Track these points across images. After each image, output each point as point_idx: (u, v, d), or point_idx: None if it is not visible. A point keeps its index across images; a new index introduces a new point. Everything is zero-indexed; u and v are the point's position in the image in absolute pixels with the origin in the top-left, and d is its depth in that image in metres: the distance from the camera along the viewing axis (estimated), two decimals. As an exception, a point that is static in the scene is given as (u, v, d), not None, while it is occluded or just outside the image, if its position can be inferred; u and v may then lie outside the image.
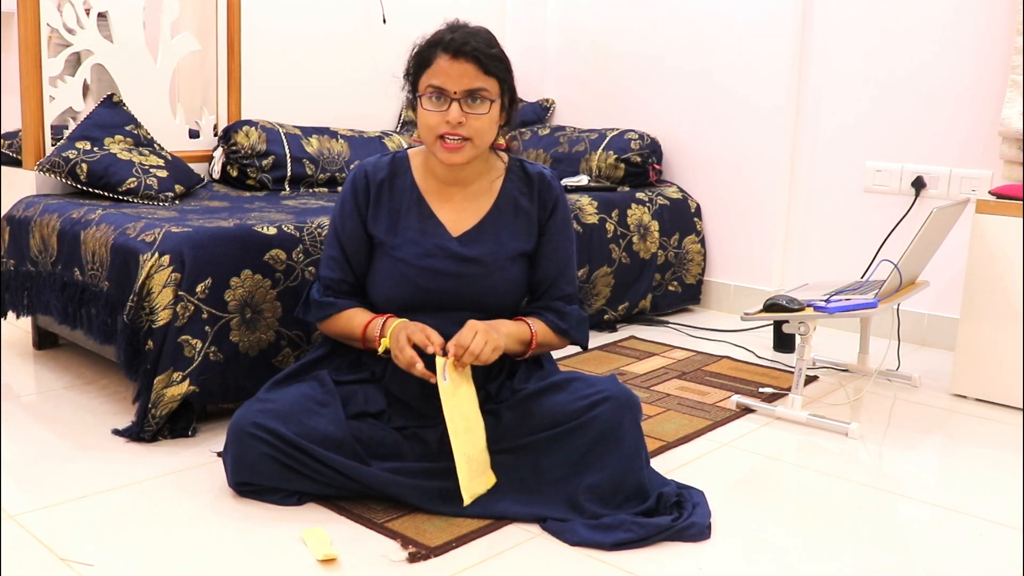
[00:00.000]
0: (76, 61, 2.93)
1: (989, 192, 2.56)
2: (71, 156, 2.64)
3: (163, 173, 2.71)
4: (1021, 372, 2.45)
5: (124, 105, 2.87)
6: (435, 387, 1.69)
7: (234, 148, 3.04)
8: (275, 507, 1.74)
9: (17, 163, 2.88)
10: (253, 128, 3.07)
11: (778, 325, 2.94)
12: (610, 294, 3.20)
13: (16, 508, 1.72)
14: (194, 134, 3.20)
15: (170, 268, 2.04)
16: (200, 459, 1.98)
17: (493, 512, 1.72)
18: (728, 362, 2.86)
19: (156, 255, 2.05)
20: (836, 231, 3.32)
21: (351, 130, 3.38)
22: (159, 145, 2.89)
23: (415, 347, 1.72)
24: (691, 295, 3.54)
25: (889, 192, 3.18)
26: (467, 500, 1.68)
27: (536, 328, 1.87)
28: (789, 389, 2.42)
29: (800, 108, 3.36)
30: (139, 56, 2.98)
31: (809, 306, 2.30)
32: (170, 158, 2.82)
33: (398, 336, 1.73)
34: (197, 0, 3.31)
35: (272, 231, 2.21)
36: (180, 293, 2.04)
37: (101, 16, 2.89)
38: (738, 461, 2.09)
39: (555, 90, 4.07)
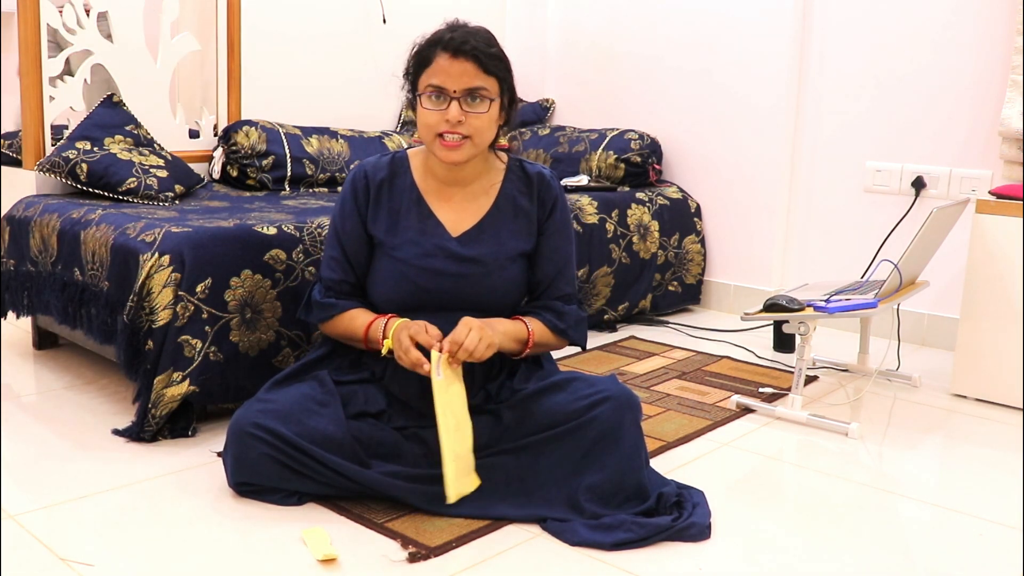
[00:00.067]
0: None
1: (989, 192, 2.56)
2: (71, 156, 2.64)
3: (163, 173, 2.71)
4: (1021, 372, 2.45)
5: (124, 105, 2.88)
6: None
7: (234, 148, 3.04)
8: (275, 507, 1.74)
9: (17, 163, 2.88)
10: (253, 128, 3.07)
11: (778, 325, 2.94)
12: (610, 294, 3.20)
13: (16, 508, 1.72)
14: (194, 134, 3.20)
15: (170, 268, 2.04)
16: (200, 459, 1.98)
17: (493, 513, 1.72)
18: (728, 362, 2.86)
19: (156, 255, 2.05)
20: (836, 231, 3.32)
21: (351, 130, 3.38)
22: (159, 145, 2.89)
23: (418, 346, 1.72)
24: (691, 295, 3.54)
25: (889, 192, 3.18)
26: (452, 498, 1.67)
27: (533, 327, 1.87)
28: (789, 389, 2.42)
29: (800, 108, 3.36)
30: (139, 56, 2.98)
31: (809, 306, 2.30)
32: (170, 158, 2.82)
33: (400, 337, 1.73)
34: (197, 0, 3.31)
35: (272, 231, 2.21)
36: (180, 293, 2.04)
37: (101, 16, 2.90)
38: (738, 461, 2.09)
39: (555, 90, 4.07)
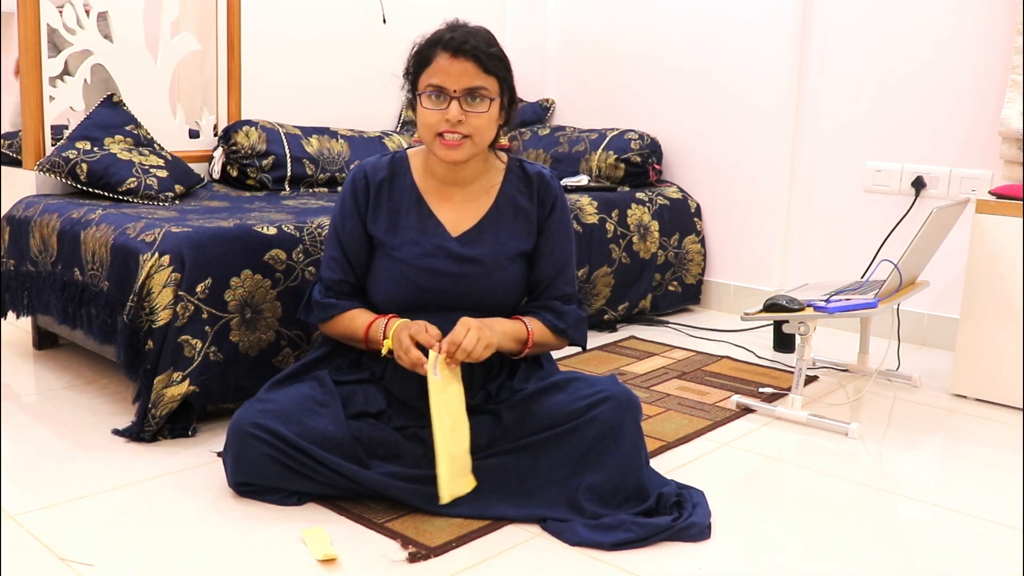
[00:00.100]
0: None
1: (989, 192, 2.56)
2: (71, 156, 2.64)
3: (163, 173, 2.71)
4: (1021, 372, 2.45)
5: (124, 105, 2.87)
6: None
7: (234, 148, 3.04)
8: (275, 507, 1.74)
9: (17, 163, 2.88)
10: (253, 128, 3.07)
11: (778, 325, 2.94)
12: (610, 294, 3.20)
13: (16, 508, 1.72)
14: (194, 134, 3.20)
15: (170, 268, 2.04)
16: (200, 459, 1.98)
17: (493, 513, 1.72)
18: (728, 362, 2.86)
19: (156, 255, 2.05)
20: (836, 231, 3.32)
21: (351, 130, 3.38)
22: (159, 145, 2.89)
23: (418, 346, 1.72)
24: (691, 295, 3.54)
25: (889, 192, 3.18)
26: (445, 499, 1.67)
27: (533, 327, 1.87)
28: (789, 389, 2.42)
29: (800, 108, 3.36)
30: (139, 56, 2.98)
31: (809, 306, 2.30)
32: (170, 158, 2.82)
33: (401, 337, 1.73)
34: (197, 0, 3.31)
35: (272, 231, 2.21)
36: (180, 293, 2.04)
37: (101, 16, 2.90)
38: (738, 461, 2.09)
39: (555, 90, 4.07)
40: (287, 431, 1.71)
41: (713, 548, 1.66)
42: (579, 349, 2.82)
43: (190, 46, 3.10)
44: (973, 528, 1.78)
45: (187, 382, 2.05)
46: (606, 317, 3.22)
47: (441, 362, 1.68)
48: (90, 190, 2.64)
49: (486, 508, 1.72)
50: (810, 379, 2.70)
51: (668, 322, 3.38)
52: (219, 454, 1.89)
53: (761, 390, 2.56)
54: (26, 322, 2.83)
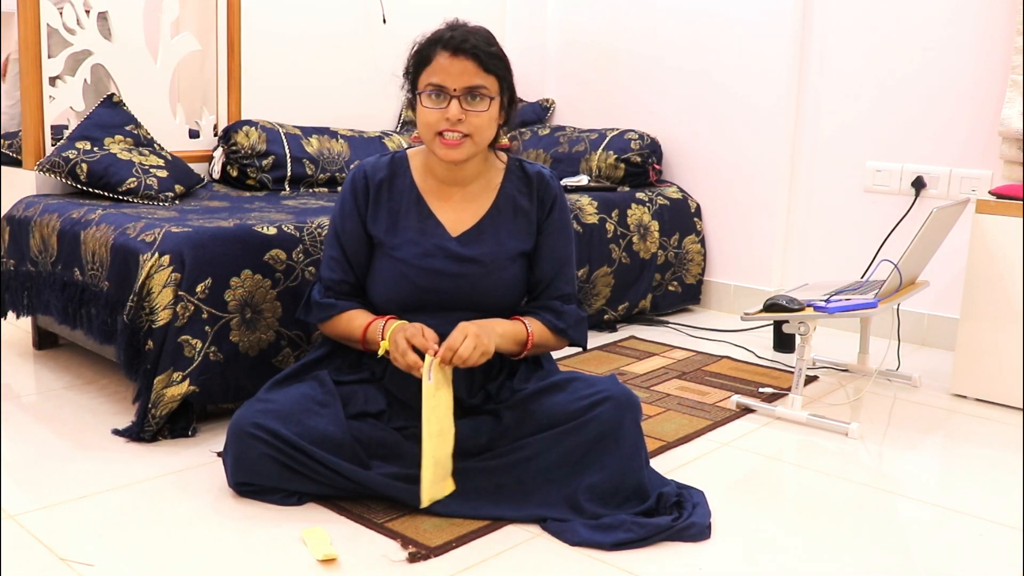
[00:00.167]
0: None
1: (989, 192, 2.56)
2: (71, 156, 2.64)
3: (163, 173, 2.71)
4: (1021, 372, 2.45)
5: (124, 105, 2.87)
6: None
7: (234, 148, 3.04)
8: (275, 507, 1.74)
9: (17, 163, 2.88)
10: (253, 128, 3.07)
11: (778, 325, 2.94)
12: (610, 294, 3.20)
13: (16, 508, 1.72)
14: (194, 134, 3.20)
15: (170, 268, 2.04)
16: (200, 459, 1.98)
17: (493, 513, 1.72)
18: (728, 362, 2.86)
19: (156, 255, 2.05)
20: (836, 231, 3.32)
21: (351, 130, 3.38)
22: (159, 145, 2.89)
23: (414, 349, 1.72)
24: (691, 295, 3.54)
25: (889, 192, 3.18)
26: (425, 502, 1.67)
27: (533, 328, 1.87)
28: (789, 389, 2.42)
29: (800, 108, 3.36)
30: (139, 56, 2.98)
31: (809, 306, 2.30)
32: (170, 158, 2.82)
33: (397, 340, 1.73)
34: (197, 0, 3.31)
35: (272, 231, 2.21)
36: (180, 293, 2.04)
37: (101, 16, 2.89)
38: (738, 461, 2.09)
39: (555, 90, 4.07)
40: (287, 431, 1.71)
41: (713, 548, 1.66)
42: (579, 349, 2.82)
43: (190, 46, 3.10)
44: (973, 528, 1.78)
45: (187, 382, 2.05)
46: (606, 317, 3.23)
47: (436, 366, 1.68)
48: (90, 190, 2.64)
49: (486, 508, 1.72)
50: (810, 379, 2.70)
51: (668, 322, 3.38)
52: (219, 454, 1.89)
53: (761, 390, 2.56)
54: (26, 322, 2.83)
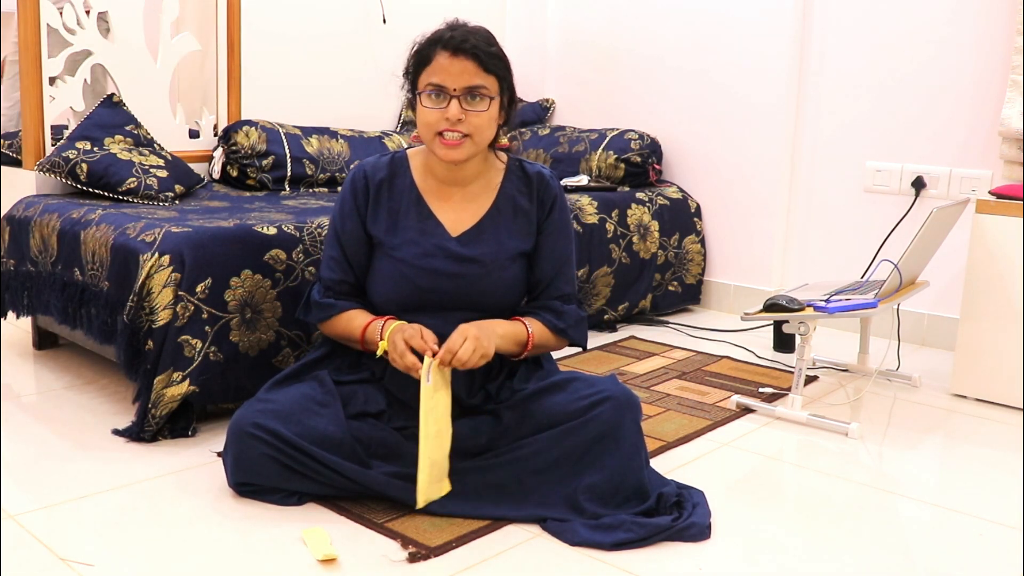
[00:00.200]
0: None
1: (989, 192, 2.56)
2: (71, 156, 2.64)
3: (163, 173, 2.71)
4: (1021, 372, 2.45)
5: (124, 105, 2.87)
6: None
7: (234, 148, 3.04)
8: (275, 507, 1.74)
9: (17, 163, 2.88)
10: (253, 128, 3.07)
11: (778, 325, 2.94)
12: (610, 294, 3.20)
13: (16, 508, 1.72)
14: (194, 134, 3.20)
15: (170, 268, 2.04)
16: (200, 459, 1.98)
17: (493, 513, 1.72)
18: (728, 362, 2.86)
19: (156, 255, 2.05)
20: (836, 231, 3.32)
21: (351, 130, 3.38)
22: (159, 145, 2.89)
23: (413, 350, 1.72)
24: (691, 295, 3.54)
25: (889, 192, 3.18)
26: (421, 503, 1.68)
27: (533, 329, 1.87)
28: (789, 389, 2.42)
29: (800, 108, 3.36)
30: (139, 56, 2.98)
31: (809, 306, 2.30)
32: (170, 158, 2.82)
33: (395, 341, 1.73)
34: (197, 0, 3.31)
35: (272, 231, 2.21)
36: (180, 293, 2.04)
37: (101, 16, 2.89)
38: (738, 461, 2.09)
39: (555, 90, 4.07)
40: (287, 431, 1.71)
41: (713, 548, 1.66)
42: (579, 349, 2.82)
43: (190, 46, 3.10)
44: (973, 528, 1.78)
45: (187, 382, 2.05)
46: (606, 317, 3.22)
47: (434, 368, 1.68)
48: (90, 190, 2.64)
49: (486, 508, 1.72)
50: (810, 379, 2.70)
51: (668, 322, 3.38)
52: (219, 454, 1.89)
53: (761, 390, 2.56)
54: (26, 322, 2.83)
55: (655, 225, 3.34)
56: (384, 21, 3.63)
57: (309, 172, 3.13)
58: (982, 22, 2.94)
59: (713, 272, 3.61)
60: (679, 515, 1.70)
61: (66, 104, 2.84)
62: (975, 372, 2.53)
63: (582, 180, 3.38)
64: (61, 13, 2.79)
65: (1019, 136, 2.80)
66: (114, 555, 1.56)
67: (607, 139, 3.55)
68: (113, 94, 2.88)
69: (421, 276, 1.84)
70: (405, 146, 3.38)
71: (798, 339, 2.32)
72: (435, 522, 1.69)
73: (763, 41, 3.38)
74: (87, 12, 2.86)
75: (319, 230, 2.28)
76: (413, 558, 1.57)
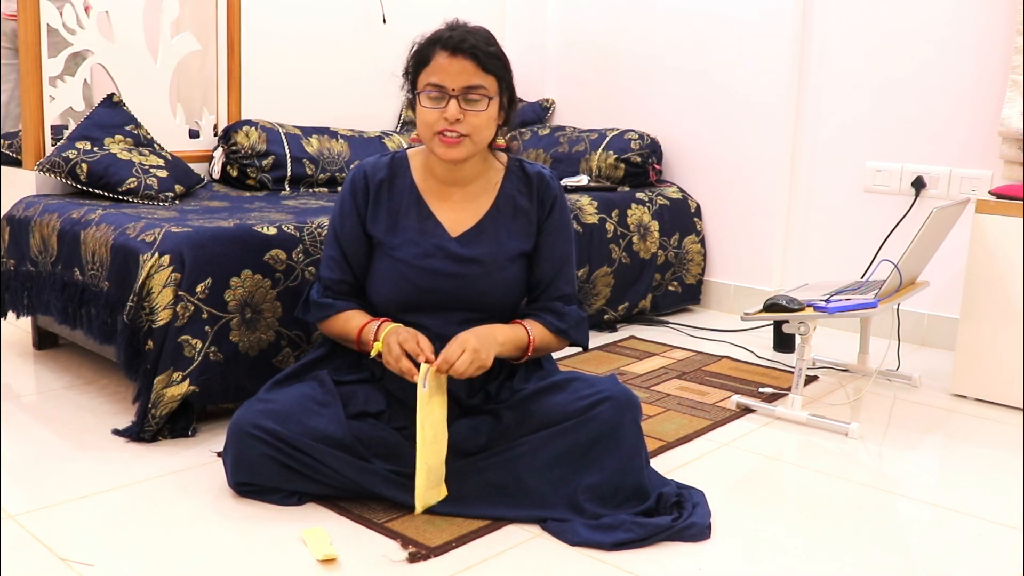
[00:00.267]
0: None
1: (989, 192, 2.56)
2: (71, 156, 2.64)
3: (163, 173, 2.71)
4: (1021, 372, 2.45)
5: (124, 105, 2.87)
6: None
7: (234, 148, 3.04)
8: (275, 507, 1.74)
9: (17, 163, 2.88)
10: (253, 128, 3.07)
11: (778, 325, 2.94)
12: (610, 294, 3.20)
13: (16, 508, 1.72)
14: (194, 134, 3.20)
15: (170, 268, 2.04)
16: (200, 459, 1.98)
17: (493, 513, 1.72)
18: (728, 362, 2.86)
19: (156, 255, 2.05)
20: (836, 231, 3.32)
21: (351, 130, 3.38)
22: (159, 145, 2.89)
23: (407, 355, 1.72)
24: (691, 295, 3.54)
25: (889, 192, 3.18)
26: (419, 509, 1.68)
27: (534, 333, 1.86)
28: (789, 389, 2.42)
29: (800, 108, 3.36)
30: (139, 56, 2.98)
31: (809, 306, 2.30)
32: (170, 158, 2.82)
33: (391, 344, 1.73)
34: (197, 0, 3.31)
35: (272, 231, 2.21)
36: (180, 293, 2.04)
37: (101, 16, 2.89)
38: (738, 461, 2.09)
39: (555, 90, 4.07)
40: (287, 431, 1.71)
41: (713, 548, 1.66)
42: (579, 349, 2.82)
43: (190, 46, 3.10)
44: (973, 528, 1.78)
45: (187, 382, 2.05)
46: (606, 317, 3.22)
47: (431, 374, 1.68)
48: (90, 190, 2.64)
49: (486, 508, 1.72)
50: (810, 379, 2.70)
51: (668, 322, 3.38)
52: (219, 454, 1.89)
53: (761, 390, 2.56)
54: (26, 322, 2.83)
55: (655, 225, 3.34)
56: (384, 21, 3.63)
57: (309, 172, 3.13)
58: (982, 22, 2.94)
59: (713, 272, 3.61)
60: (679, 515, 1.70)
61: (66, 104, 2.84)
62: (975, 372, 2.53)
63: (582, 180, 3.38)
64: (61, 13, 2.79)
65: (1019, 136, 2.80)
66: (114, 555, 1.56)
67: (607, 139, 3.55)
68: (113, 94, 2.88)
69: (421, 276, 1.84)
70: (405, 146, 3.38)
71: (798, 339, 2.32)
72: (435, 522, 1.69)
73: (763, 41, 3.38)
74: (87, 12, 2.85)
75: (319, 230, 2.29)
76: (413, 558, 1.57)
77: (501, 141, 1.91)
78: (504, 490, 1.74)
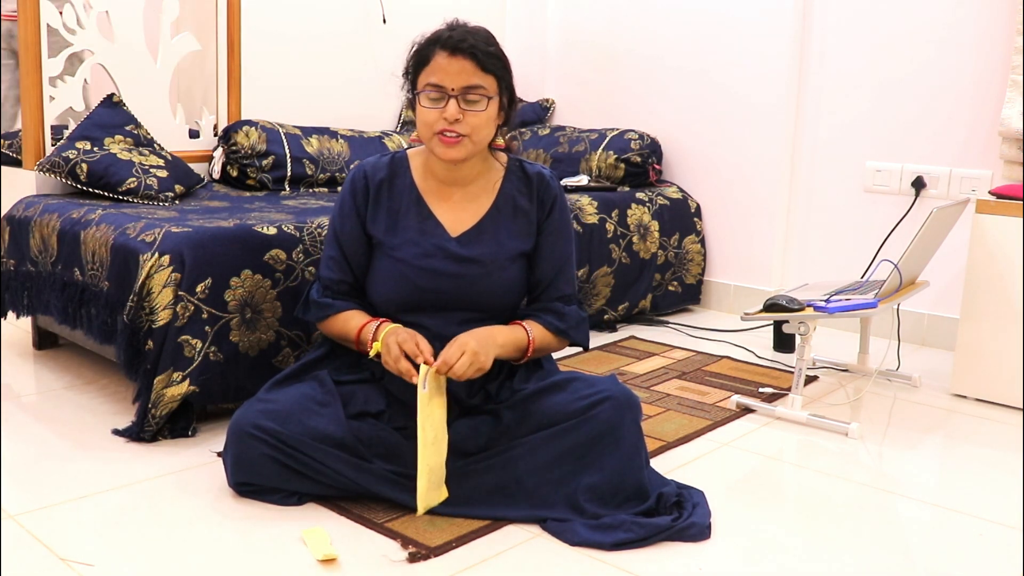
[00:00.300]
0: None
1: (989, 192, 2.56)
2: (71, 156, 2.64)
3: (163, 173, 2.71)
4: (1021, 372, 2.45)
5: (124, 105, 2.87)
6: None
7: (234, 148, 3.04)
8: (275, 507, 1.74)
9: (17, 163, 2.88)
10: (253, 128, 3.07)
11: (778, 325, 2.94)
12: (610, 294, 3.20)
13: (16, 508, 1.72)
14: (194, 134, 3.20)
15: (170, 268, 2.04)
16: (200, 459, 1.98)
17: (493, 513, 1.72)
18: (728, 362, 2.86)
19: (156, 255, 2.05)
20: (836, 231, 3.32)
21: (351, 130, 3.38)
22: (159, 145, 2.89)
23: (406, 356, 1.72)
24: (691, 295, 3.54)
25: (889, 192, 3.18)
26: (421, 510, 1.68)
27: (534, 334, 1.86)
28: (789, 389, 2.42)
29: (800, 108, 3.36)
30: (139, 56, 2.98)
31: (809, 306, 2.30)
32: (170, 158, 2.82)
33: (390, 345, 1.73)
34: (197, 0, 3.31)
35: (272, 231, 2.21)
36: (180, 293, 2.04)
37: (101, 16, 2.89)
38: (738, 461, 2.09)
39: (555, 90, 4.07)
40: (287, 431, 1.71)
41: (713, 548, 1.66)
42: (579, 349, 2.82)
43: (190, 46, 3.10)
44: (973, 528, 1.78)
45: (187, 382, 2.05)
46: (606, 317, 3.23)
47: (431, 376, 1.68)
48: (90, 190, 2.64)
49: (486, 508, 1.72)
50: (810, 379, 2.70)
51: (668, 322, 3.38)
52: (219, 454, 1.89)
53: (761, 390, 2.56)
54: (26, 322, 2.83)
55: (655, 225, 3.34)
56: (384, 21, 3.63)
57: (309, 172, 3.13)
58: (982, 22, 2.94)
59: (713, 272, 3.61)
60: (679, 515, 1.70)
61: (66, 104, 2.84)
62: (975, 372, 2.53)
63: (582, 180, 3.38)
64: (61, 13, 2.79)
65: (1019, 136, 2.80)
66: (114, 555, 1.56)
67: (607, 139, 3.55)
68: (113, 94, 2.88)
69: (421, 276, 1.84)
70: (405, 146, 3.38)
71: (798, 339, 2.32)
72: (435, 522, 1.69)
73: (763, 41, 3.38)
74: (87, 12, 2.85)
75: (319, 230, 2.29)
76: (413, 558, 1.57)
77: (501, 141, 1.91)
78: (504, 490, 1.74)
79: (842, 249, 3.30)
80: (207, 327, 2.07)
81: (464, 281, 1.84)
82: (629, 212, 3.26)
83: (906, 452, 2.19)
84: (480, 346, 1.72)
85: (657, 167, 3.56)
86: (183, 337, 2.04)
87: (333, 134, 3.28)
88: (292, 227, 2.26)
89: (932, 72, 3.05)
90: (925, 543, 1.73)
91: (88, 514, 1.72)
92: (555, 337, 1.91)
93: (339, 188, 3.17)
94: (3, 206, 2.77)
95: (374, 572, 1.54)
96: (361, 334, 1.82)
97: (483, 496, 1.74)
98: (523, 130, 3.86)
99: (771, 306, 2.31)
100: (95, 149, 2.69)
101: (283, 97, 3.38)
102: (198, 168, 3.07)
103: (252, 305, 2.14)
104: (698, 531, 1.68)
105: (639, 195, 3.35)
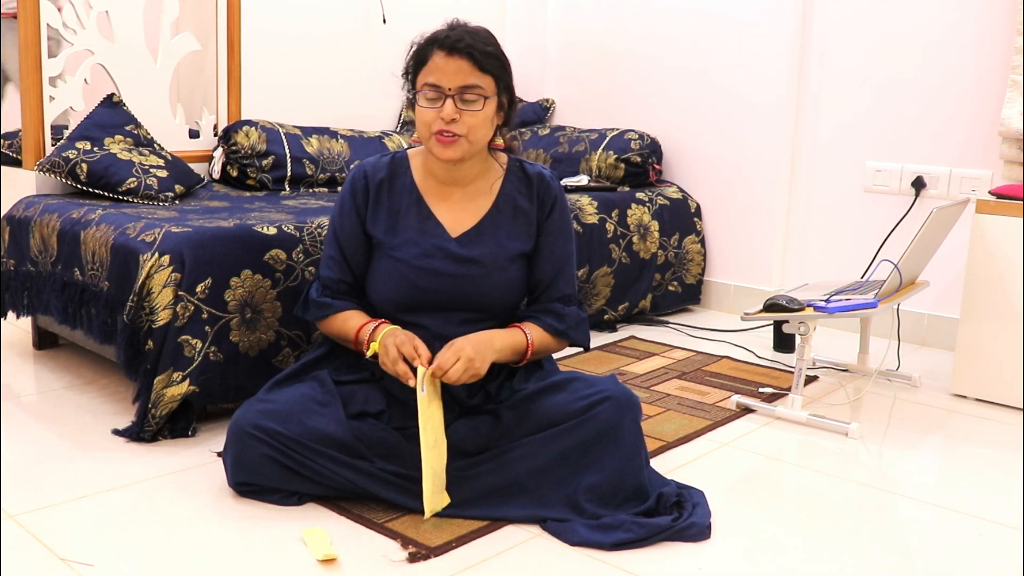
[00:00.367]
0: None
1: (989, 192, 2.56)
2: (71, 156, 2.64)
3: (163, 173, 2.71)
4: (1021, 372, 2.45)
5: (124, 105, 2.87)
6: None
7: (234, 148, 3.04)
8: (275, 507, 1.74)
9: (17, 163, 2.88)
10: (253, 128, 3.07)
11: (778, 325, 2.94)
12: (610, 294, 3.20)
13: (16, 508, 1.72)
14: (194, 134, 3.20)
15: (170, 268, 2.04)
16: (200, 459, 1.98)
17: (493, 513, 1.72)
18: (728, 362, 2.86)
19: (156, 255, 2.05)
20: (836, 231, 3.32)
21: (351, 130, 3.38)
22: (159, 145, 2.89)
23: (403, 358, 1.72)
24: (691, 295, 3.54)
25: (889, 192, 3.18)
26: (428, 514, 1.67)
27: (533, 337, 1.86)
28: (789, 389, 2.42)
29: (800, 108, 3.36)
30: (139, 56, 2.98)
31: (809, 306, 2.30)
32: (170, 158, 2.82)
33: (387, 346, 1.73)
34: (197, 0, 3.31)
35: (272, 231, 2.21)
36: (180, 293, 2.04)
37: (101, 16, 2.89)
38: (738, 461, 2.09)
39: (555, 90, 4.07)
40: (287, 431, 1.71)
41: (713, 548, 1.66)
42: (579, 349, 2.81)
43: (190, 46, 3.10)
44: (973, 528, 1.78)
45: (187, 382, 2.05)
46: (606, 317, 3.23)
47: (428, 379, 1.68)
48: (90, 190, 2.64)
49: (486, 508, 1.72)
50: (810, 379, 2.70)
51: (668, 322, 3.38)
52: (219, 454, 1.89)
53: (761, 390, 2.56)
54: (26, 322, 2.83)
55: (655, 225, 3.34)
56: (384, 21, 3.64)
57: (309, 172, 3.13)
58: (982, 22, 2.94)
59: (713, 272, 3.61)
60: (679, 515, 1.70)
61: (66, 104, 2.84)
62: (975, 372, 2.53)
63: (582, 180, 3.38)
64: (61, 13, 2.79)
65: (1019, 136, 2.80)
66: (114, 555, 1.56)
67: (607, 139, 3.55)
68: (113, 94, 2.88)
69: (421, 276, 1.84)
70: (405, 146, 3.38)
71: (798, 339, 2.32)
72: (435, 522, 1.69)
73: (763, 41, 3.38)
74: (87, 12, 2.85)
75: (319, 230, 2.29)
76: (413, 558, 1.57)
77: (501, 141, 1.91)
78: (504, 490, 1.74)
79: (842, 249, 3.30)
80: (207, 327, 2.07)
81: (464, 281, 1.84)
82: (629, 212, 3.26)
83: (906, 452, 2.19)
84: (476, 352, 1.71)
85: (657, 167, 3.56)
86: (183, 337, 2.04)
87: (333, 134, 3.28)
88: (292, 227, 2.26)
89: (932, 72, 3.05)
90: (925, 543, 1.73)
91: (88, 514, 1.72)
92: (554, 339, 1.91)
93: (339, 188, 3.17)
94: (3, 206, 2.77)
95: (374, 572, 1.54)
96: (359, 334, 1.82)
97: (483, 496, 1.74)
98: (523, 130, 3.86)
99: (771, 306, 2.31)
100: (95, 149, 2.69)
101: (283, 97, 3.38)
102: (198, 168, 3.07)
103: (252, 305, 2.14)
104: (698, 531, 1.68)
105: (639, 195, 3.35)
